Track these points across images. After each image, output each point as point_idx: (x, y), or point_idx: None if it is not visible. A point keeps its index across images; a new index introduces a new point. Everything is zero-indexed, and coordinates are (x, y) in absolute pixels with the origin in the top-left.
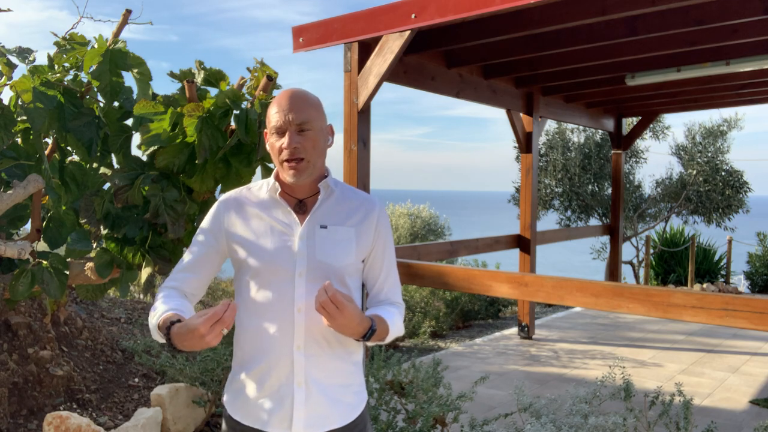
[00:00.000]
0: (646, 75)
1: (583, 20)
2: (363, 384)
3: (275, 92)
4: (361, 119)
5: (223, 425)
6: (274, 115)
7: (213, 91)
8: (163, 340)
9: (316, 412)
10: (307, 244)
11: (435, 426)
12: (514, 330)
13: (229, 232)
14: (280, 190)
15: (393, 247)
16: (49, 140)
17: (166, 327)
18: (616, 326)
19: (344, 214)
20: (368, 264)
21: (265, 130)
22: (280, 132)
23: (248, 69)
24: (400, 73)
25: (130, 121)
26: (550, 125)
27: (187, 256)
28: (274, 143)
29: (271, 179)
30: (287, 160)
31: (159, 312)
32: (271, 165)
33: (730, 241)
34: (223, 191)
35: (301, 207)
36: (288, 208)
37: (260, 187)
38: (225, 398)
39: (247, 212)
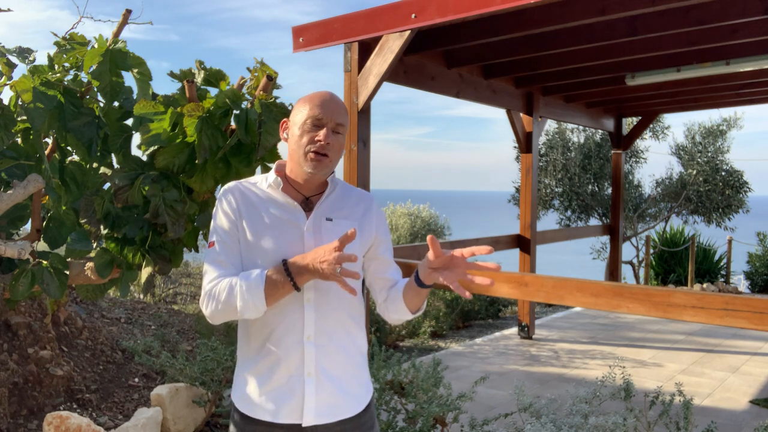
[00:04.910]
0: (646, 75)
1: (582, 20)
2: (369, 377)
3: (275, 92)
4: (361, 119)
5: (231, 427)
6: (315, 108)
7: (213, 91)
8: (260, 299)
9: (327, 401)
10: (315, 236)
11: (435, 426)
12: (514, 330)
13: (240, 225)
14: (282, 184)
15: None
16: (49, 140)
17: (282, 264)
18: (616, 326)
19: (346, 209)
20: (378, 258)
21: (285, 120)
22: (318, 125)
23: (248, 69)
24: (400, 73)
25: (130, 121)
26: (550, 125)
27: (220, 261)
28: (303, 133)
29: (272, 174)
30: (315, 152)
31: (251, 273)
32: (270, 165)
33: (730, 241)
34: None
35: (308, 204)
36: (294, 202)
37: (260, 181)
38: (233, 394)
39: (253, 205)
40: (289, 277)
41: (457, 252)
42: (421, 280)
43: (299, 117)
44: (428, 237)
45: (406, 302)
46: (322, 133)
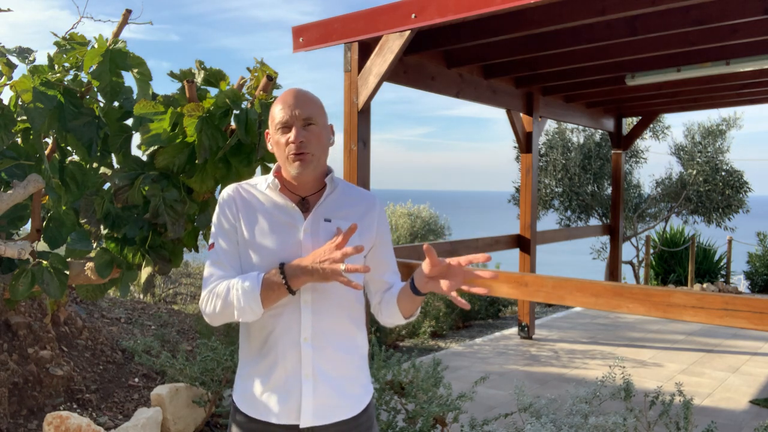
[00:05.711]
0: (646, 75)
1: (583, 20)
2: (369, 378)
3: (276, 92)
4: (361, 119)
5: (231, 426)
6: (279, 112)
7: (213, 91)
8: (257, 302)
9: (324, 403)
10: (312, 237)
11: (435, 426)
12: (514, 330)
13: (239, 226)
14: (280, 186)
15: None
16: (49, 140)
17: (278, 267)
18: (616, 326)
19: (346, 210)
20: (375, 260)
21: (267, 131)
22: (287, 127)
23: (248, 69)
24: (400, 73)
25: (130, 121)
26: (550, 125)
27: (220, 263)
28: (279, 139)
29: (270, 176)
30: (294, 154)
31: (249, 276)
32: (270, 165)
33: (730, 241)
34: None
35: (304, 204)
36: (291, 203)
37: (260, 182)
38: (234, 394)
39: (252, 207)
40: (283, 280)
41: (454, 261)
42: (417, 288)
43: (272, 126)
44: (424, 246)
45: (400, 308)
46: (292, 135)
